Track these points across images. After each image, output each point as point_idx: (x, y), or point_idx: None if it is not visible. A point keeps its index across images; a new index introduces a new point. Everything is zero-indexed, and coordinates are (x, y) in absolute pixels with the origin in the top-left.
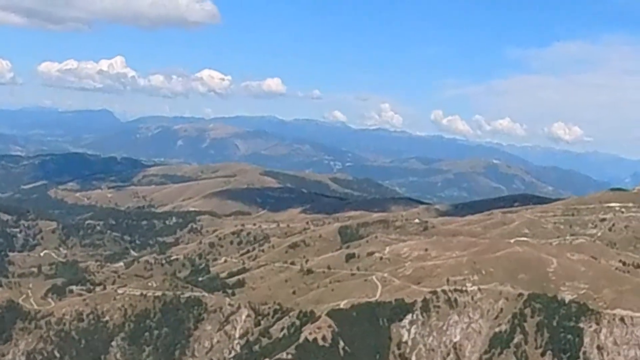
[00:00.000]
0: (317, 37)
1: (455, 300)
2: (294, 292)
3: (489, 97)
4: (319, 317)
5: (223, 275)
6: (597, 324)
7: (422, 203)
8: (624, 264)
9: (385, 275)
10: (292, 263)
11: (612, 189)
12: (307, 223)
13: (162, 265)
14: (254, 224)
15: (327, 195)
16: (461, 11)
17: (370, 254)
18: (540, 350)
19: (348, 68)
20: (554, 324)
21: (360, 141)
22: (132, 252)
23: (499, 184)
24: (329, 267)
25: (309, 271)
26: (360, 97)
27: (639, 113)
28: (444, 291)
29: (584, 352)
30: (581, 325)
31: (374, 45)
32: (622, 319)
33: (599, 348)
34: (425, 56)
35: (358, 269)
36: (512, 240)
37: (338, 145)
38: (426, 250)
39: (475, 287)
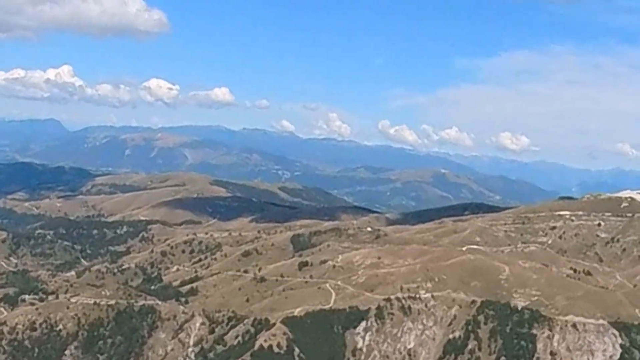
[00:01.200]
0: (265, 46)
1: (409, 307)
2: (247, 300)
3: (436, 106)
4: (274, 324)
5: (176, 283)
6: (550, 330)
7: (372, 212)
8: (575, 271)
9: (339, 283)
10: (245, 271)
11: (562, 198)
12: (259, 232)
13: (114, 274)
14: (206, 233)
15: (276, 204)
16: (409, 21)
17: (323, 262)
18: (494, 357)
19: (296, 78)
20: (507, 330)
21: (309, 151)
22: (83, 261)
23: (447, 193)
24: (282, 275)
25: (262, 279)
26: (308, 106)
27: (585, 123)
28: (397, 298)
29: (537, 358)
30: (534, 331)
31: (322, 54)
32: (574, 325)
33: (552, 354)
34: (373, 66)
35: (311, 277)
36: (464, 248)
37: (286, 155)
38: (379, 258)
39: (428, 295)
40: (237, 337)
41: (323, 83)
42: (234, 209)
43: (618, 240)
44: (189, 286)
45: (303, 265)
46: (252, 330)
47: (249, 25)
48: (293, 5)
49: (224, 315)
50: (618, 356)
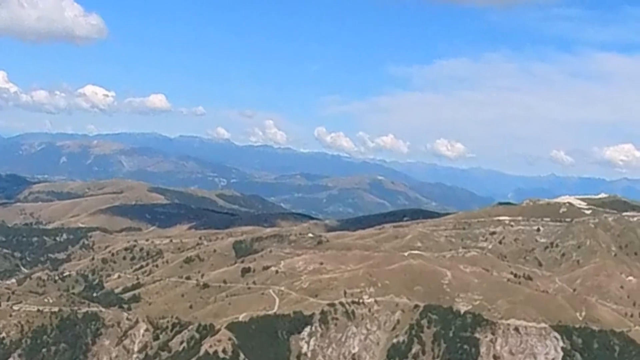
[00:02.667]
0: (201, 53)
1: (353, 312)
2: (191, 306)
3: (372, 114)
4: (219, 330)
5: (118, 290)
6: (493, 334)
7: (311, 218)
8: (515, 275)
9: (282, 288)
10: (188, 278)
11: (501, 203)
12: (200, 238)
13: (56, 281)
14: (146, 240)
15: (215, 211)
16: (344, 28)
17: (266, 268)
18: None
19: (232, 84)
20: (451, 334)
21: (245, 158)
22: (23, 269)
23: (384, 200)
24: (225, 282)
25: (205, 285)
26: (244, 113)
27: (520, 129)
28: (341, 303)
29: None
30: (477, 335)
31: (257, 61)
32: (516, 329)
33: (495, 357)
34: (309, 73)
35: (254, 282)
36: (406, 254)
37: (223, 162)
38: (321, 263)
39: (372, 299)
40: (182, 343)
41: (259, 90)
42: (173, 216)
43: (557, 245)
44: (131, 293)
45: (246, 271)
46: (197, 336)
47: (185, 32)
48: (229, 12)
49: (168, 322)
50: (560, 359)
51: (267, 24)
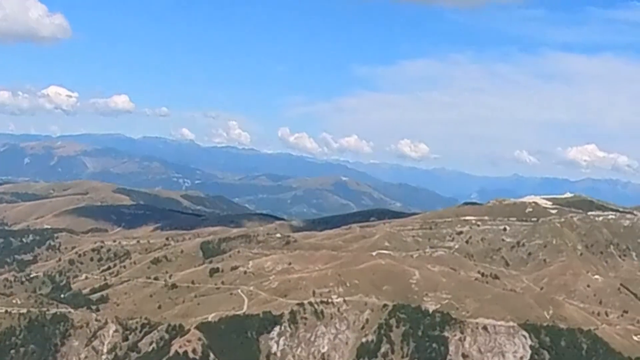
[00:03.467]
0: (165, 53)
1: (322, 311)
2: (159, 307)
3: (336, 114)
4: (188, 330)
5: (85, 291)
6: (462, 332)
7: (277, 219)
8: (483, 274)
9: (251, 288)
10: (156, 278)
11: (467, 203)
12: (167, 239)
13: (22, 283)
14: (114, 241)
15: (181, 212)
16: (309, 29)
17: (234, 268)
18: (407, 359)
19: (196, 85)
20: (419, 333)
21: (209, 159)
22: None
23: (348, 201)
24: (193, 282)
25: (174, 286)
26: (208, 114)
27: (484, 130)
28: (310, 303)
29: None
30: (446, 334)
31: (221, 62)
32: (485, 328)
33: (464, 356)
34: (273, 73)
35: (223, 283)
36: (374, 253)
37: (187, 163)
38: (290, 263)
39: (340, 299)
40: (151, 343)
41: (223, 90)
42: (139, 216)
43: (523, 245)
44: (99, 294)
45: (214, 271)
46: (167, 336)
47: (149, 32)
48: (193, 12)
49: (137, 322)
50: (528, 357)
51: (231, 25)
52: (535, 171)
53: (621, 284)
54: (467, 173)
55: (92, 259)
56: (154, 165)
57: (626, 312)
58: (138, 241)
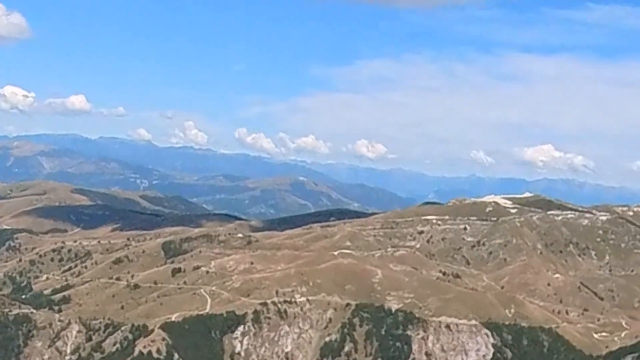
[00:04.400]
0: (121, 52)
1: (285, 311)
2: (122, 307)
3: (292, 114)
4: (152, 330)
5: (47, 292)
6: (424, 331)
7: (237, 219)
8: (444, 274)
9: (214, 288)
10: (118, 279)
11: (427, 203)
12: (128, 239)
13: None
14: (75, 241)
15: (139, 212)
16: (265, 28)
17: (196, 268)
18: (370, 359)
19: (152, 85)
20: (383, 332)
21: (166, 159)
22: None
23: (306, 201)
24: (155, 282)
25: (136, 286)
26: (164, 114)
27: (441, 130)
28: (273, 303)
29: (413, 359)
30: (409, 333)
31: (178, 62)
32: (447, 326)
33: (427, 355)
34: (230, 73)
35: (185, 283)
36: (336, 253)
37: (144, 163)
38: (252, 263)
39: (304, 298)
40: (115, 344)
41: (180, 91)
42: (98, 217)
43: (484, 244)
44: (61, 294)
45: (176, 271)
46: (130, 336)
47: (106, 32)
48: (149, 12)
49: (100, 323)
50: (491, 355)
51: (187, 24)
52: (492, 171)
53: (581, 283)
54: (424, 173)
55: (52, 260)
56: (111, 166)
57: (586, 310)
58: (99, 241)
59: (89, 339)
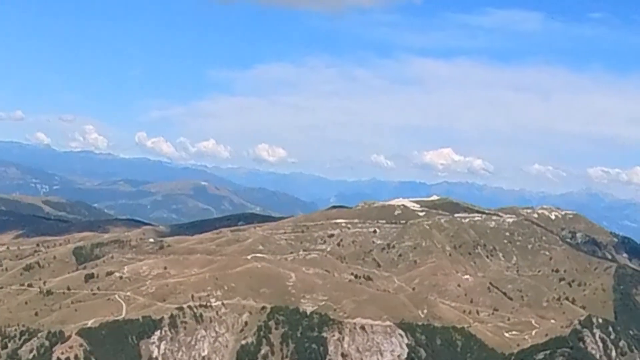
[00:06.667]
0: (18, 56)
1: (201, 315)
2: (36, 314)
3: (193, 118)
4: (69, 336)
5: None
6: (340, 332)
7: (144, 224)
8: (356, 276)
9: (128, 294)
10: (30, 285)
11: (335, 206)
12: (38, 245)
13: None
14: None
15: (44, 217)
16: (165, 32)
17: (110, 273)
18: None
19: (51, 89)
20: (298, 334)
21: (67, 164)
22: None
23: (208, 206)
24: (69, 288)
25: (49, 292)
26: (64, 118)
27: (341, 134)
28: (189, 307)
29: None
30: (324, 334)
31: (77, 65)
32: (362, 327)
33: (343, 356)
34: (128, 77)
35: (99, 288)
36: (249, 257)
37: (44, 168)
38: (165, 268)
39: (219, 302)
40: (32, 350)
41: (79, 94)
42: (1, 223)
43: (394, 246)
44: None
45: (89, 277)
46: (47, 343)
47: (2, 35)
48: (47, 13)
49: (15, 330)
50: (405, 355)
51: (86, 27)
52: (392, 175)
53: (490, 283)
54: (324, 177)
55: None
56: (11, 171)
57: (496, 310)
58: (8, 247)
59: (5, 347)
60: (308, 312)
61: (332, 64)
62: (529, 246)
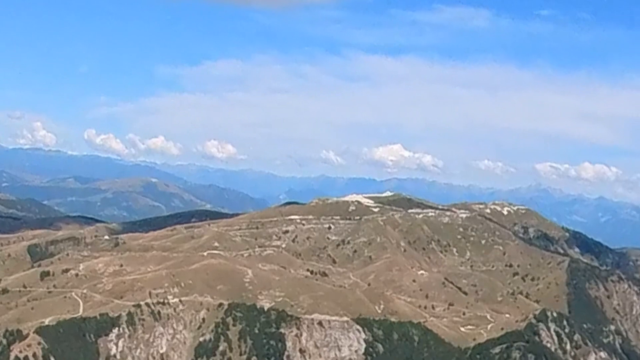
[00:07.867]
0: None
1: (159, 312)
2: None
3: (142, 115)
4: (27, 335)
5: None
6: (298, 328)
7: (96, 221)
8: (312, 272)
9: (85, 291)
10: None
11: (289, 203)
12: None
13: None
14: None
15: None
16: (112, 28)
17: (65, 271)
18: (244, 357)
19: None
20: (256, 331)
21: (15, 161)
22: None
23: (159, 203)
24: (24, 286)
25: (5, 290)
26: (12, 115)
27: (290, 131)
28: (147, 304)
29: (288, 356)
30: (282, 330)
31: (24, 62)
32: (320, 323)
33: (301, 351)
34: (77, 74)
35: (55, 286)
36: (205, 253)
37: None
38: (121, 265)
39: (176, 299)
40: None
41: (27, 91)
42: None
43: (349, 242)
44: None
45: (45, 275)
46: (5, 341)
47: None
48: None
49: None
50: (363, 350)
51: (33, 23)
52: (342, 171)
53: (445, 279)
54: (274, 174)
55: None
56: None
57: (452, 304)
58: None
59: None
60: (265, 309)
61: (281, 61)
62: (483, 241)
